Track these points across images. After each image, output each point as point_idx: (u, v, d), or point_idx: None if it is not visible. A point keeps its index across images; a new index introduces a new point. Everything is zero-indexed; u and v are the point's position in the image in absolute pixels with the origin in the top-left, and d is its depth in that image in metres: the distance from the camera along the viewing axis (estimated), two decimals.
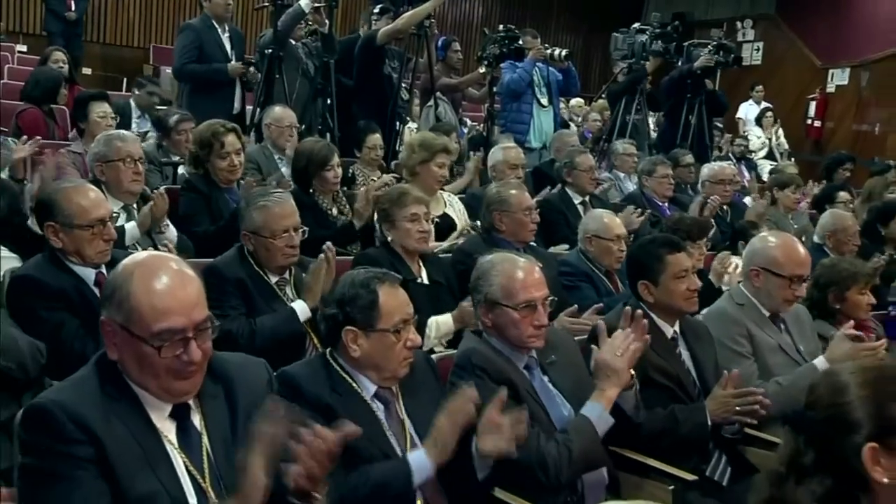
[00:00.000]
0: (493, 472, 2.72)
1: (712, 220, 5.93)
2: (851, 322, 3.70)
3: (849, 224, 5.63)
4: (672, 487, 3.00)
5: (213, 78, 6.99)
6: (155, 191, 4.35)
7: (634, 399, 3.07)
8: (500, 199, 4.57)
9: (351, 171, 6.00)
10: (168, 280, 2.08)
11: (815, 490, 1.86)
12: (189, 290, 2.10)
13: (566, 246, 5.30)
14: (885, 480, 1.81)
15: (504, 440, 2.51)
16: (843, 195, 7.18)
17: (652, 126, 9.84)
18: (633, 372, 3.00)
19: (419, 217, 4.11)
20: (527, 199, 4.60)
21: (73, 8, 10.45)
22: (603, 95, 10.03)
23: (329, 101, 7.00)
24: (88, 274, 3.41)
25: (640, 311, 3.07)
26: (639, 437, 3.11)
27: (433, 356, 3.10)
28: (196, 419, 2.17)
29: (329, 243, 3.79)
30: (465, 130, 8.71)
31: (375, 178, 5.68)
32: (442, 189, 5.54)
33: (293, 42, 7.24)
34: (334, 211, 5.17)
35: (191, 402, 2.17)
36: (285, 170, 5.65)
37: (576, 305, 4.07)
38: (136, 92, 8.09)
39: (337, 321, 2.63)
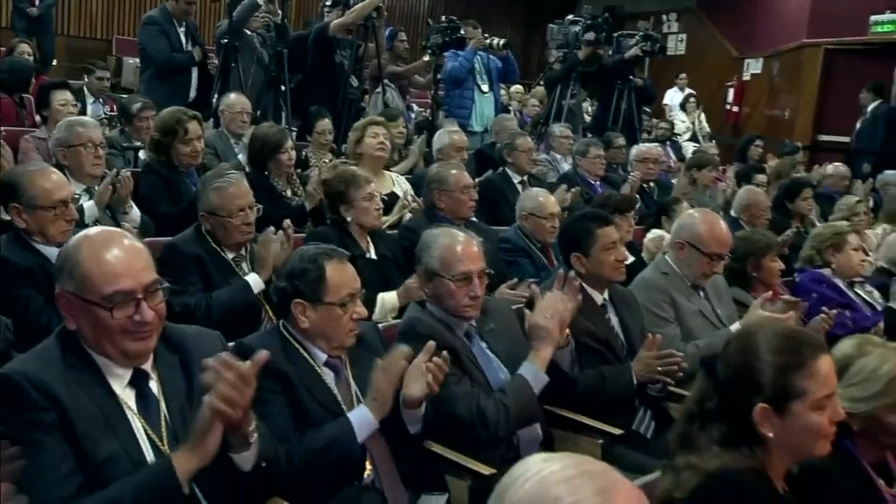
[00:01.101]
0: (435, 431, 2.72)
1: (638, 196, 5.96)
2: (770, 293, 3.74)
3: (761, 200, 5.70)
4: (601, 442, 3.03)
5: (183, 66, 6.93)
6: (119, 174, 4.25)
7: (570, 357, 3.08)
8: (440, 179, 4.56)
9: (304, 154, 5.97)
10: (115, 248, 2.07)
11: (714, 434, 1.91)
12: (136, 256, 2.10)
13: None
14: (771, 435, 1.87)
15: (427, 384, 2.50)
16: (760, 178, 7.26)
17: (586, 111, 9.91)
18: (568, 332, 3.01)
19: (373, 196, 4.08)
20: (464, 179, 4.57)
21: (35, 4, 10.19)
22: (541, 82, 10.03)
23: (283, 89, 6.93)
24: (52, 252, 3.31)
25: (572, 273, 3.08)
26: (571, 397, 3.13)
27: (380, 325, 3.06)
28: (154, 386, 2.15)
29: (288, 221, 3.80)
30: (413, 116, 8.67)
31: (327, 161, 5.66)
32: (388, 170, 5.52)
33: (249, 33, 7.16)
34: (288, 192, 5.14)
35: (149, 370, 2.15)
36: (242, 156, 5.58)
37: (515, 279, 4.08)
38: (87, 78, 7.97)
39: (286, 294, 2.61)
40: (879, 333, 3.92)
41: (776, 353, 1.91)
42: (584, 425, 3.11)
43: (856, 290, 4.62)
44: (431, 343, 2.59)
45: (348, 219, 4.01)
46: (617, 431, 3.07)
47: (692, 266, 3.76)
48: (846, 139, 11.24)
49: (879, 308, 4.47)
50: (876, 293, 4.62)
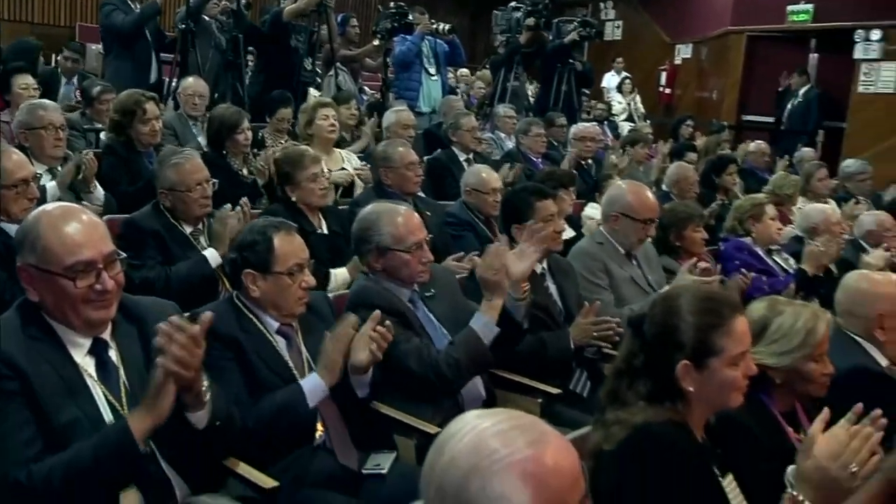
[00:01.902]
0: (387, 391, 2.73)
1: (576, 172, 6.00)
2: (695, 259, 3.80)
3: (689, 175, 5.77)
4: (540, 401, 3.06)
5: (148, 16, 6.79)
6: (84, 154, 4.17)
7: (524, 310, 3.07)
8: (386, 156, 4.54)
9: (261, 134, 5.91)
10: (74, 221, 2.07)
11: (640, 390, 1.94)
12: (94, 228, 2.10)
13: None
14: (692, 390, 1.91)
15: (371, 352, 2.50)
16: (690, 155, 7.34)
17: (529, 92, 9.94)
18: (527, 285, 3.03)
19: (318, 176, 4.03)
20: (410, 156, 4.55)
21: None
22: (486, 66, 10.03)
23: (239, 73, 6.86)
24: (14, 230, 3.26)
25: (539, 225, 3.09)
26: (512, 359, 3.14)
27: (330, 295, 3.05)
28: (113, 354, 2.15)
29: (245, 199, 3.78)
30: (365, 98, 8.62)
31: (283, 142, 5.61)
32: (340, 149, 5.49)
33: (207, 18, 7.06)
34: (245, 171, 5.06)
35: (108, 339, 2.15)
36: (200, 137, 5.52)
37: (462, 252, 4.08)
38: (60, 60, 7.81)
39: (237, 265, 2.59)
40: (790, 294, 4.00)
41: (697, 313, 1.94)
42: (524, 385, 3.14)
43: (773, 257, 4.71)
44: (377, 312, 2.59)
45: (293, 198, 3.98)
46: (555, 391, 3.10)
47: (628, 234, 3.80)
48: (768, 119, 11.43)
49: (792, 272, 4.56)
50: (791, 260, 4.72)
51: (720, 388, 1.93)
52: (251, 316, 2.58)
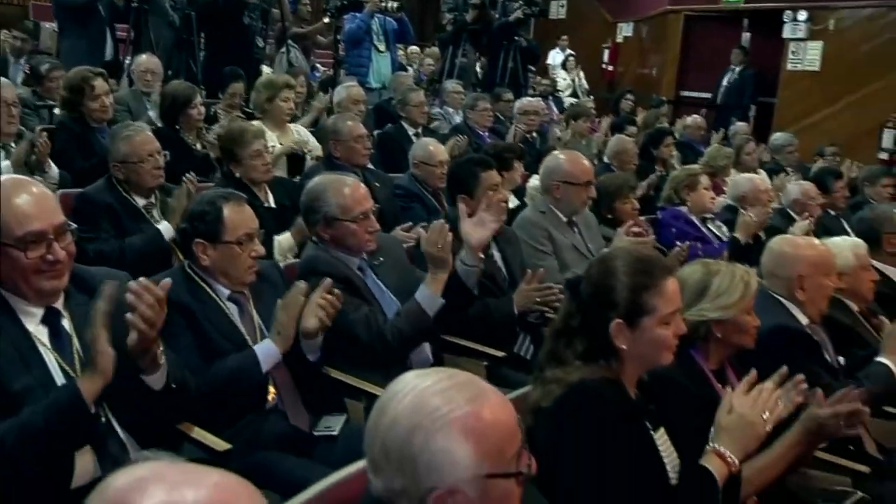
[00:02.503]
0: (336, 357, 2.72)
1: (521, 145, 6.01)
2: (631, 222, 3.84)
3: (629, 147, 5.82)
4: (486, 364, 3.08)
5: None
6: (37, 134, 4.06)
7: (475, 278, 3.09)
8: (335, 129, 4.50)
9: (214, 110, 5.83)
10: (24, 193, 2.03)
11: (577, 349, 1.96)
12: (45, 199, 2.07)
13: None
14: (625, 348, 1.94)
15: (319, 319, 2.50)
16: (631, 129, 7.40)
17: (477, 68, 9.92)
18: (481, 255, 3.03)
19: (261, 152, 3.97)
20: (358, 129, 4.51)
21: None
22: (435, 43, 9.97)
23: (192, 50, 6.73)
24: None
25: (464, 197, 3.09)
26: (459, 325, 3.16)
27: (280, 264, 3.02)
28: (66, 324, 2.12)
29: (191, 173, 3.72)
30: (318, 74, 8.53)
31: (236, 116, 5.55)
32: (292, 122, 5.42)
33: None
34: (198, 146, 5.01)
35: (61, 308, 2.12)
36: (153, 112, 5.42)
37: (410, 223, 4.08)
38: (4, 40, 7.60)
39: (188, 234, 2.57)
40: (725, 260, 4.06)
41: (630, 274, 1.96)
42: (471, 349, 3.15)
43: (708, 225, 4.79)
44: (327, 280, 2.58)
45: (237, 174, 3.93)
46: (499, 354, 3.12)
47: (571, 200, 3.82)
48: (704, 95, 11.56)
49: (725, 239, 4.64)
50: (724, 228, 4.79)
51: (651, 346, 1.95)
52: (203, 284, 2.55)
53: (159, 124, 4.97)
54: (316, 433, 2.56)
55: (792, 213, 5.14)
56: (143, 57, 5.92)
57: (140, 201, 3.62)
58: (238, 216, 2.55)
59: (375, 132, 6.19)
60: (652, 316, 1.94)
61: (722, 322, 2.30)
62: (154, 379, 2.11)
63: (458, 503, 1.31)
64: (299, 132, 5.36)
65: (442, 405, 1.31)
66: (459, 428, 1.30)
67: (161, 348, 2.10)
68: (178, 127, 4.92)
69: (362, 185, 3.04)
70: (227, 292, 2.57)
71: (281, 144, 5.01)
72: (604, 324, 1.94)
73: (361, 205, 2.92)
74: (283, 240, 3.69)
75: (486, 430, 1.31)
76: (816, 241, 3.02)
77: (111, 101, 4.82)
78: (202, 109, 5.07)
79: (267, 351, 2.48)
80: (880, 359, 2.76)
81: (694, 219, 4.74)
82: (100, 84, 4.67)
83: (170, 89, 5.07)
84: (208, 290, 2.55)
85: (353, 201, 2.91)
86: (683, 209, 4.77)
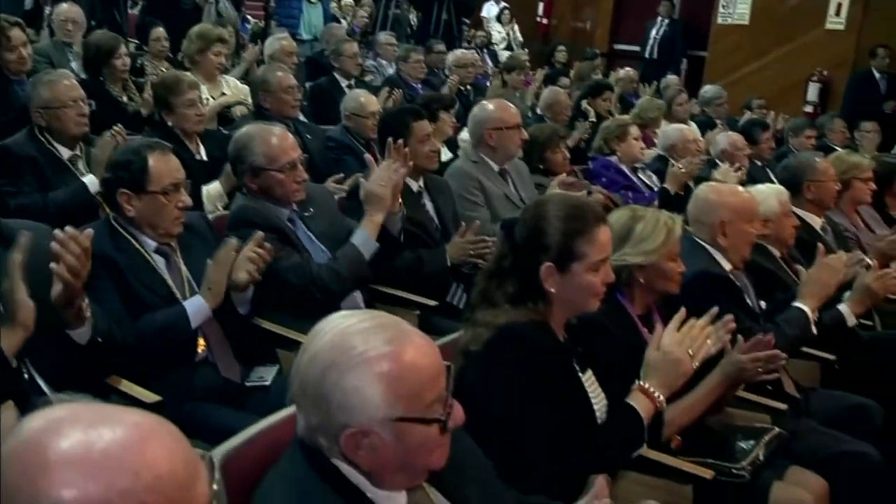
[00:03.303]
0: (273, 302, 2.70)
1: (456, 97, 5.99)
2: (565, 175, 3.88)
3: (562, 99, 5.84)
4: (418, 313, 3.09)
5: None
6: None
7: (400, 223, 3.08)
8: (264, 81, 4.42)
9: (140, 62, 5.67)
10: None
11: (508, 290, 1.98)
12: None
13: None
14: (553, 291, 1.96)
15: (248, 273, 2.47)
16: (564, 80, 7.43)
17: (411, 20, 9.80)
18: (400, 199, 3.02)
19: (195, 101, 3.89)
20: (287, 80, 4.43)
21: None
22: None
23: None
24: None
25: (400, 141, 3.07)
26: (392, 275, 3.16)
27: (210, 216, 2.97)
28: None
29: (119, 126, 3.58)
30: (248, 26, 8.33)
31: (164, 69, 5.42)
32: (223, 74, 5.30)
33: None
34: (124, 98, 4.88)
35: None
36: (75, 64, 5.23)
37: (341, 174, 4.03)
38: None
39: (112, 184, 2.49)
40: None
41: (564, 219, 1.98)
42: (402, 299, 3.16)
43: (638, 174, 4.86)
44: (259, 233, 2.55)
45: (170, 123, 3.83)
46: (432, 303, 3.13)
47: (506, 145, 3.83)
48: (637, 48, 11.63)
49: (656, 189, 4.72)
50: (655, 177, 4.87)
51: (580, 291, 1.98)
52: (128, 236, 2.49)
53: (83, 75, 4.82)
54: (248, 384, 2.55)
55: (720, 164, 5.24)
56: (65, 6, 5.71)
57: (65, 153, 3.51)
58: (164, 165, 2.49)
59: (307, 84, 6.10)
60: (582, 262, 1.96)
61: (644, 267, 2.34)
62: (79, 333, 2.08)
63: (374, 444, 1.31)
64: (231, 84, 5.24)
65: (359, 344, 1.31)
66: (374, 368, 1.30)
67: (86, 301, 2.07)
68: (102, 78, 4.79)
69: (290, 135, 2.99)
70: (153, 245, 2.52)
71: (211, 97, 4.91)
72: (535, 267, 1.96)
73: (288, 154, 2.87)
74: (212, 189, 3.63)
75: (402, 373, 1.31)
76: (740, 188, 3.08)
77: (29, 51, 4.64)
78: (127, 60, 4.96)
79: (197, 307, 2.45)
80: (797, 304, 2.84)
81: (624, 168, 4.80)
82: (16, 34, 4.49)
83: (93, 39, 4.95)
84: (134, 242, 2.49)
85: (279, 151, 2.86)
86: (613, 159, 4.84)
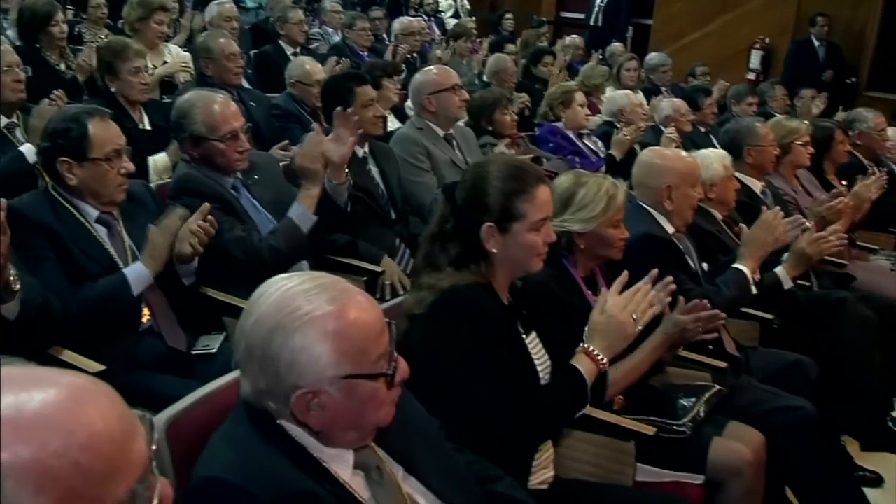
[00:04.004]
0: (218, 271, 2.68)
1: (403, 65, 5.95)
2: (508, 139, 3.89)
3: (508, 66, 5.83)
4: (365, 278, 3.09)
5: None
6: None
7: (347, 193, 3.07)
8: (206, 48, 4.34)
9: (77, 30, 5.52)
10: None
11: (451, 253, 1.99)
12: None
13: None
14: (495, 251, 1.97)
15: (191, 245, 2.45)
16: (510, 47, 7.41)
17: None
18: (347, 170, 3.00)
19: (141, 70, 3.81)
20: (230, 47, 4.35)
21: None
22: None
23: None
24: None
25: (349, 109, 3.05)
26: (344, 227, 3.16)
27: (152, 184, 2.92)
28: None
29: (60, 91, 3.54)
30: None
31: (103, 37, 5.26)
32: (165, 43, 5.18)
33: None
34: (62, 66, 4.74)
35: None
36: (11, 31, 5.07)
37: (287, 141, 3.99)
38: None
39: (51, 152, 2.43)
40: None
41: (503, 179, 1.99)
42: (349, 265, 3.15)
43: (584, 140, 4.90)
44: (206, 205, 2.51)
45: (113, 89, 3.75)
46: (378, 269, 3.13)
47: (446, 107, 3.84)
48: (581, 16, 11.65)
49: (602, 155, 4.76)
50: (600, 143, 4.91)
51: (521, 251, 1.99)
52: (68, 206, 2.45)
53: (18, 43, 4.66)
54: (194, 353, 2.54)
55: (664, 130, 5.31)
56: None
57: (1, 120, 3.42)
58: (104, 132, 2.44)
59: (252, 52, 6.01)
60: (522, 221, 1.96)
61: (584, 234, 2.37)
62: (8, 308, 2.04)
63: (324, 403, 1.32)
64: (174, 52, 5.13)
65: (303, 305, 1.31)
66: (319, 327, 1.30)
67: (14, 274, 2.01)
68: (38, 45, 4.64)
69: (232, 103, 2.94)
70: (95, 213, 2.47)
71: (154, 66, 4.80)
72: (476, 228, 1.96)
73: (230, 124, 2.82)
74: (159, 160, 3.57)
75: (346, 331, 1.31)
76: (684, 152, 3.13)
77: None
78: (64, 27, 4.81)
79: (138, 273, 2.42)
80: (737, 265, 2.90)
81: (570, 134, 4.83)
82: None
83: (28, 5, 4.75)
84: (74, 211, 2.45)
85: (221, 120, 2.82)
86: (559, 125, 4.86)
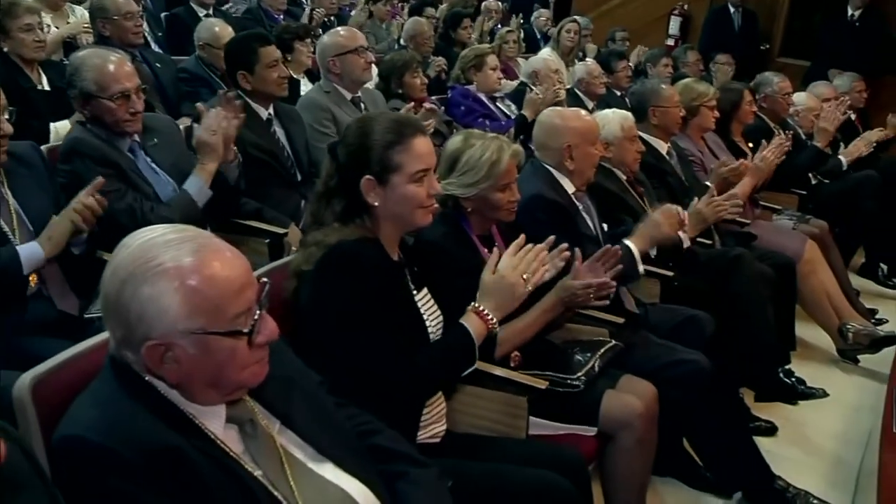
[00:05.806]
0: (107, 239, 2.61)
1: (319, 29, 5.87)
2: (413, 104, 3.88)
3: (425, 30, 5.81)
4: (267, 241, 3.06)
5: None
6: None
7: (237, 170, 3.04)
8: (102, 7, 4.23)
9: None
10: None
11: (336, 209, 1.99)
12: None
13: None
14: (376, 204, 1.97)
15: (73, 223, 2.39)
16: (430, 10, 7.37)
17: None
18: (235, 148, 2.96)
19: (33, 27, 3.67)
20: (128, 5, 4.24)
21: None
22: None
23: None
24: None
25: (231, 93, 3.00)
26: (237, 204, 3.12)
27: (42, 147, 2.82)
28: None
29: None
30: None
31: None
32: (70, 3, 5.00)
33: None
34: None
35: None
36: None
37: (200, 104, 3.90)
38: None
39: None
40: (510, 136, 4.21)
41: (382, 132, 1.98)
42: (252, 228, 3.12)
43: (497, 104, 4.91)
44: (99, 179, 2.45)
45: (5, 48, 3.62)
46: (282, 231, 3.10)
47: (350, 69, 3.82)
48: None
49: (514, 117, 4.79)
50: (514, 106, 4.93)
51: (402, 203, 1.98)
52: None
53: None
54: (87, 316, 2.48)
55: (579, 93, 5.37)
56: None
57: None
58: None
59: (163, 14, 5.85)
60: (400, 173, 1.96)
61: (468, 198, 2.38)
62: None
63: (177, 356, 1.31)
64: (79, 13, 4.95)
65: (159, 255, 1.30)
66: (171, 279, 1.29)
67: None
68: None
69: (128, 63, 2.85)
70: None
71: (56, 27, 4.63)
72: (357, 182, 1.96)
73: (121, 83, 2.74)
74: (61, 127, 3.47)
75: (200, 285, 1.30)
76: (583, 112, 3.16)
77: None
78: None
79: (31, 253, 2.36)
80: (627, 241, 2.90)
81: (483, 97, 4.84)
82: None
83: None
84: None
85: (111, 79, 2.73)
86: (471, 88, 4.87)
